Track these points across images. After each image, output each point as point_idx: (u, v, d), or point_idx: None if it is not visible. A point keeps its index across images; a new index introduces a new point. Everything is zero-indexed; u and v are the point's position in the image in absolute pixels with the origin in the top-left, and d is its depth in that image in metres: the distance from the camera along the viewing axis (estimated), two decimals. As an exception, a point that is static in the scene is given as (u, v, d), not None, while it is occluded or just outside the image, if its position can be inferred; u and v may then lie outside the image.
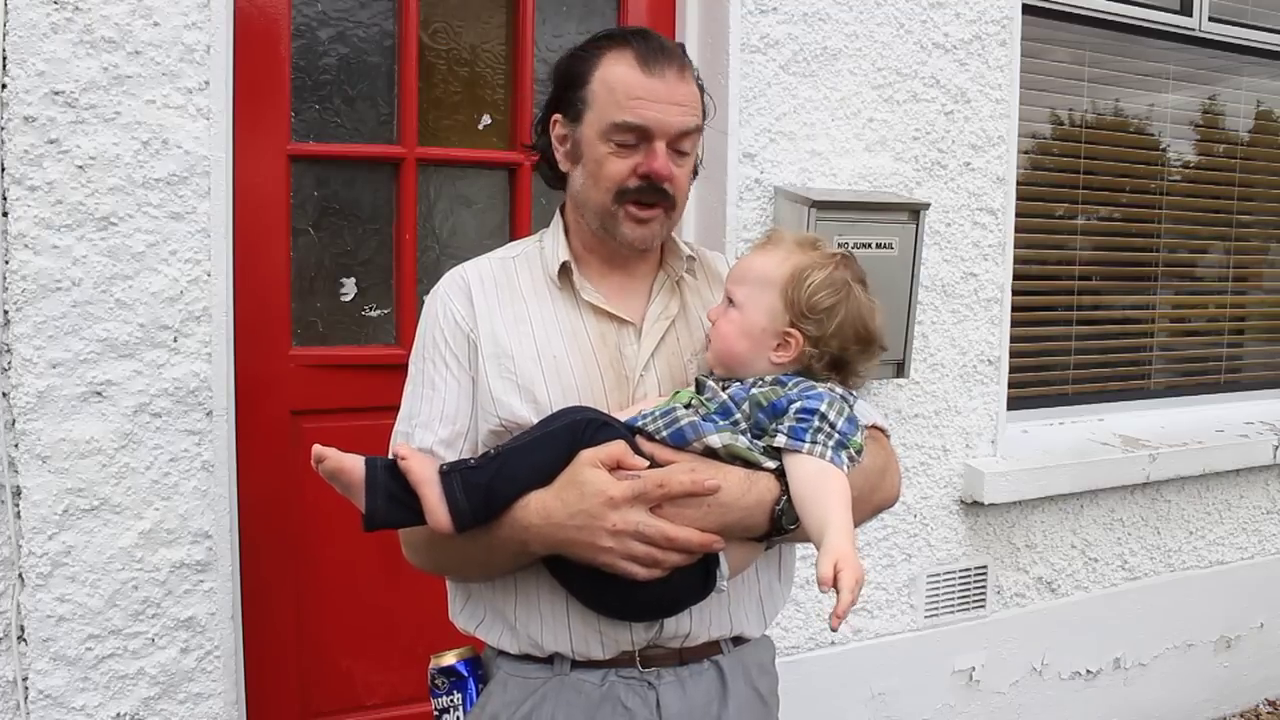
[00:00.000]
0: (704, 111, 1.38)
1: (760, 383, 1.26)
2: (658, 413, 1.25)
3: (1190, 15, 3.44)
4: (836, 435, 1.21)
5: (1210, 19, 3.48)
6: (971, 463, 2.91)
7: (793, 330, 1.26)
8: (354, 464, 1.21)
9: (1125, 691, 3.31)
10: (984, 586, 3.00)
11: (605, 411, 1.29)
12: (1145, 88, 3.50)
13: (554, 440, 1.22)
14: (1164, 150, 3.59)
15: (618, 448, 1.21)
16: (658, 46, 1.33)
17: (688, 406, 1.26)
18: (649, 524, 1.18)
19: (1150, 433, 3.32)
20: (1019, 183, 3.00)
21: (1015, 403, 3.14)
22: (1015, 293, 3.02)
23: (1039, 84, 3.20)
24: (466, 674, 1.38)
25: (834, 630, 1.09)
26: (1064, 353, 3.39)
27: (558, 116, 1.39)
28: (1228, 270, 3.79)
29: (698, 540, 1.19)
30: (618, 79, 1.31)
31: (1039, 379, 3.33)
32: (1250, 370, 3.88)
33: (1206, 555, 3.46)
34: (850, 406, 1.26)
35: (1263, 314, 3.93)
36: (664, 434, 1.23)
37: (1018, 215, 2.99)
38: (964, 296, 2.89)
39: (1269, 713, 3.61)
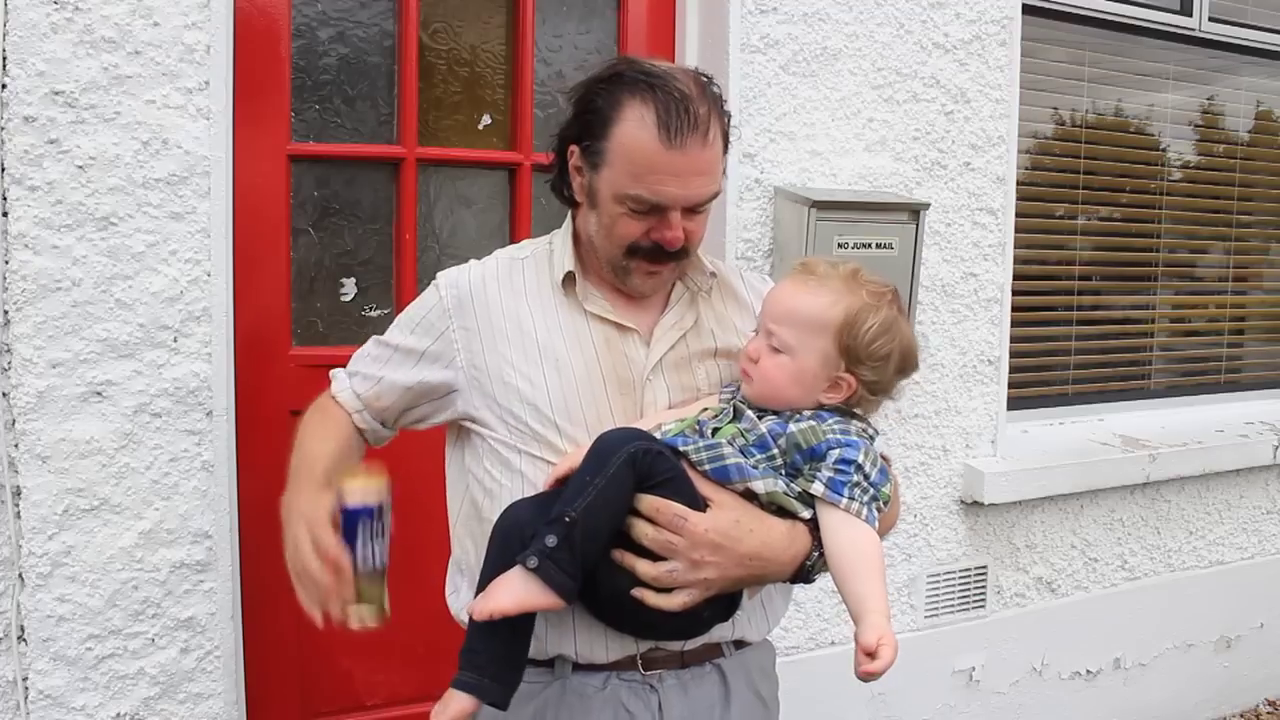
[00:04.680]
0: (726, 146, 1.32)
1: (799, 418, 1.25)
2: (702, 444, 1.24)
3: (1190, 15, 3.44)
4: (871, 489, 1.23)
5: (1210, 19, 3.47)
6: (971, 463, 2.91)
7: (846, 375, 1.26)
8: (462, 705, 1.18)
9: (1125, 691, 3.31)
10: (984, 586, 3.00)
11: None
12: (1145, 88, 3.50)
13: (619, 483, 1.19)
14: (1164, 150, 3.58)
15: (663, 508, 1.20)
16: (681, 108, 1.22)
17: (727, 437, 1.25)
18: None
19: (1150, 433, 3.32)
20: (1019, 183, 3.00)
21: (1015, 403, 3.13)
22: (1015, 293, 3.02)
23: (1039, 84, 3.20)
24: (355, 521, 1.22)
25: (863, 680, 1.14)
26: (1064, 353, 3.39)
27: (574, 148, 1.33)
28: (1228, 270, 3.79)
29: None
30: (636, 148, 1.24)
31: (1039, 379, 3.33)
32: (1250, 370, 3.88)
33: (1206, 555, 3.46)
34: (874, 448, 1.27)
35: (1263, 314, 3.93)
36: (707, 467, 1.22)
37: (1018, 215, 2.99)
38: (964, 296, 2.88)
39: (1269, 713, 3.60)
